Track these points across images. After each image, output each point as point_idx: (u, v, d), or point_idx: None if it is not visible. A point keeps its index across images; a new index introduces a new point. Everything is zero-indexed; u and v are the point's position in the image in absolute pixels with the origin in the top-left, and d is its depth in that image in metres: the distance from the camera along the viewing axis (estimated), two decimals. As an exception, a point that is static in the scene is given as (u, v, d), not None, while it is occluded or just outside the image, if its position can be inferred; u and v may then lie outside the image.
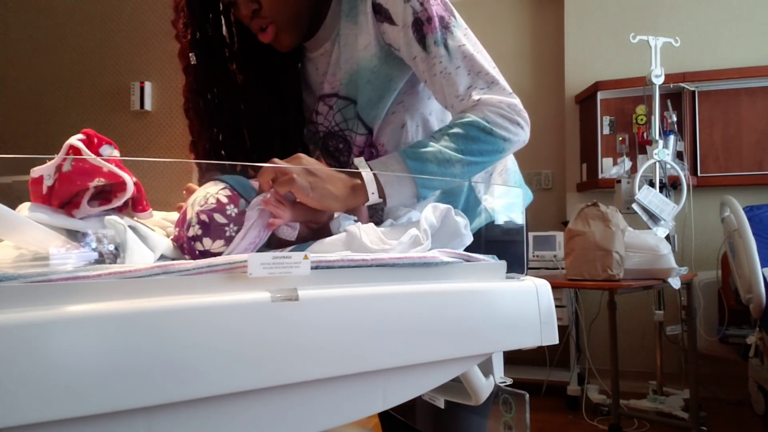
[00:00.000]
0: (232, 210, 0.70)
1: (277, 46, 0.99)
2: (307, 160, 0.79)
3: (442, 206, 0.77)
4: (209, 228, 0.68)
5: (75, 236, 0.62)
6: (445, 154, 0.85)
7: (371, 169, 0.82)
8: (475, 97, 0.90)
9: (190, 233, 0.68)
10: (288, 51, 1.01)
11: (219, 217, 0.68)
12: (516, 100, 0.91)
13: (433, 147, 0.85)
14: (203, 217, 0.68)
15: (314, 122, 1.08)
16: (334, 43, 1.01)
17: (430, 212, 0.76)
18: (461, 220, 0.77)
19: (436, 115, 1.04)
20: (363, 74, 0.97)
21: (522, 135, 0.91)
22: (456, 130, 0.87)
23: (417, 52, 0.92)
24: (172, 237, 0.72)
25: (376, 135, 1.01)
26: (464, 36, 0.93)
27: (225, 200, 0.70)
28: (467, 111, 0.90)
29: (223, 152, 1.04)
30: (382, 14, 0.93)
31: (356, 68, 0.98)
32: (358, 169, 0.83)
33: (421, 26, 0.91)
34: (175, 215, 0.81)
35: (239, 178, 0.74)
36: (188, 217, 0.69)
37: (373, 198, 0.82)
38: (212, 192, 0.71)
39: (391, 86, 0.98)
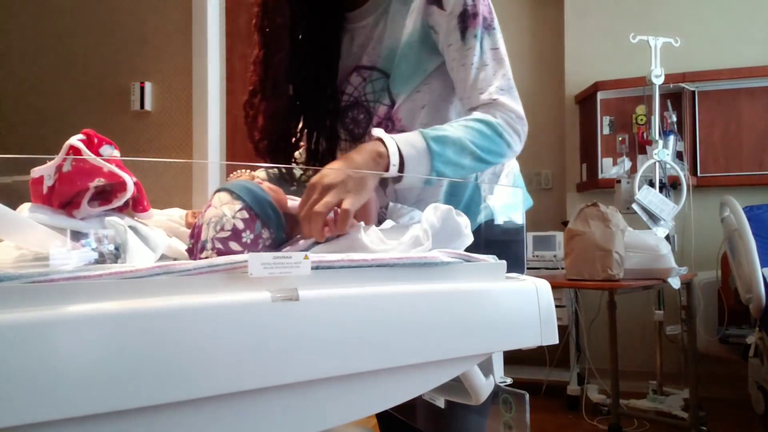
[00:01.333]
0: (248, 237, 0.69)
1: None
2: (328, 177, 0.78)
3: (443, 206, 0.77)
4: (223, 255, 0.67)
5: (75, 236, 0.62)
6: (464, 143, 0.89)
7: (394, 141, 0.85)
8: (494, 96, 0.96)
9: (204, 255, 0.68)
10: None
11: (234, 245, 0.68)
12: (522, 112, 0.98)
13: (455, 134, 0.89)
14: (218, 244, 0.68)
15: (341, 92, 1.10)
16: (379, 19, 1.05)
17: (431, 212, 0.76)
18: (462, 221, 0.77)
19: (456, 106, 1.06)
20: (402, 49, 1.01)
21: (518, 146, 0.98)
22: (474, 124, 0.92)
23: (454, 41, 0.98)
24: (185, 248, 0.71)
25: (396, 109, 1.03)
26: (499, 40, 1.00)
27: (242, 226, 0.69)
28: (481, 107, 0.96)
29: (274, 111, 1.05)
30: None
31: (397, 43, 1.02)
32: (376, 138, 0.85)
33: (466, 18, 0.97)
34: (173, 212, 0.81)
35: (254, 190, 0.72)
36: (203, 238, 0.68)
37: (393, 170, 0.83)
38: (229, 215, 0.69)
39: (422, 66, 1.02)
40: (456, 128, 0.90)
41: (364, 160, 0.81)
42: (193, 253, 0.70)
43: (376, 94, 1.04)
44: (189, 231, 0.76)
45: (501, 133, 0.93)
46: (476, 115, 0.94)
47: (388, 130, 1.00)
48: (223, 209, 0.69)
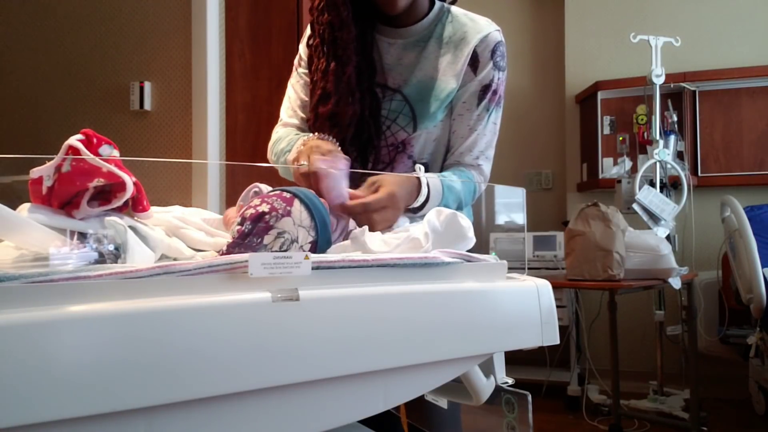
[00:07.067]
0: None
1: (390, 5, 1.06)
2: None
3: (447, 211, 0.77)
4: None
5: (75, 237, 0.62)
6: (459, 198, 1.09)
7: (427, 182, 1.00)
8: (479, 162, 1.15)
9: None
10: (396, 14, 1.09)
11: None
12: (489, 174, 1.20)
13: (458, 192, 1.08)
14: None
15: None
16: (411, 47, 1.13)
17: (434, 216, 0.76)
18: (465, 224, 0.77)
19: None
20: (437, 90, 1.11)
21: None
22: (472, 186, 1.13)
23: (470, 103, 1.13)
24: (236, 228, 0.68)
25: (414, 138, 1.14)
26: (499, 117, 1.17)
27: (308, 249, 0.70)
28: (467, 166, 1.14)
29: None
30: (474, 61, 1.12)
31: (430, 82, 1.12)
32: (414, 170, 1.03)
33: (487, 91, 1.13)
34: (174, 209, 0.80)
35: (328, 227, 0.74)
36: (266, 242, 0.67)
37: (418, 201, 0.98)
38: (300, 242, 0.69)
39: (446, 109, 1.14)
40: (460, 180, 1.10)
41: (407, 193, 0.95)
42: (244, 238, 0.66)
43: (393, 113, 1.13)
44: (190, 231, 0.76)
45: (478, 194, 1.15)
46: (475, 175, 1.14)
47: (399, 153, 1.14)
48: (299, 233, 0.69)
